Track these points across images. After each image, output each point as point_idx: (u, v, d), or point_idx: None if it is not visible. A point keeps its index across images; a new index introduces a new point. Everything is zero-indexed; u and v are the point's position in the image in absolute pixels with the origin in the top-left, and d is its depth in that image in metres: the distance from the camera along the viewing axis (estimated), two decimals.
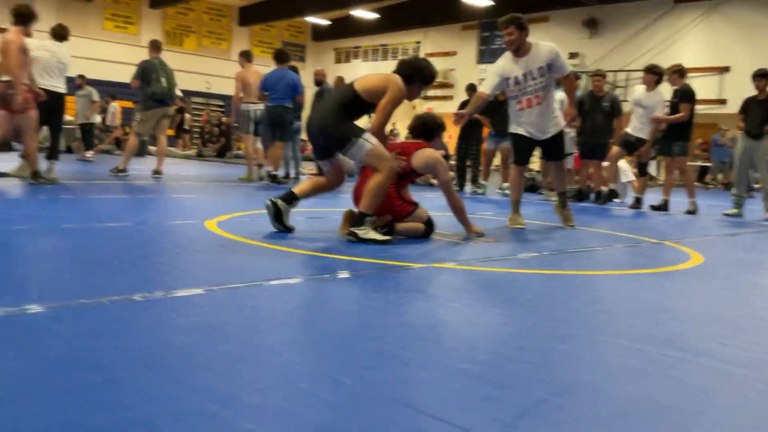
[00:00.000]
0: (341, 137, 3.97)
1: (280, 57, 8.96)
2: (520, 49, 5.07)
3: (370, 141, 3.96)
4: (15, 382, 1.51)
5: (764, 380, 1.86)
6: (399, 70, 4.21)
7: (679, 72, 7.85)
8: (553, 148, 5.47)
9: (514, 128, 5.39)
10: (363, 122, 4.51)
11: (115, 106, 16.18)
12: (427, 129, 4.47)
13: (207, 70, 23.53)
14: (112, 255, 3.20)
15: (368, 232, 3.86)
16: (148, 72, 8.35)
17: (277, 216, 4.11)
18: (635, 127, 8.04)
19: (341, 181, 4.37)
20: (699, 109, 18.42)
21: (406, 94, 4.12)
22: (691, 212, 7.75)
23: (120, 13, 22.48)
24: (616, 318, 2.55)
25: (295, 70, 9.77)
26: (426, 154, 4.34)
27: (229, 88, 10.27)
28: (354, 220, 3.94)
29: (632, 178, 9.33)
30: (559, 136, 5.40)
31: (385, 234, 3.99)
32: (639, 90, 8.17)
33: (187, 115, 19.46)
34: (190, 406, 1.44)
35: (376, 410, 1.48)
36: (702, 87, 18.36)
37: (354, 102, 4.05)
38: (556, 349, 2.06)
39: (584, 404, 1.59)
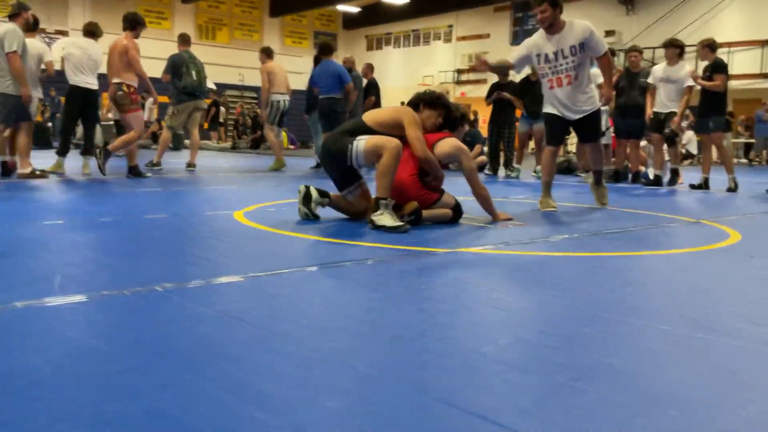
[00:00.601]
0: (340, 151, 4.01)
1: (324, 50, 9.14)
2: (553, 26, 4.96)
3: (362, 139, 3.96)
4: (30, 373, 1.53)
5: None
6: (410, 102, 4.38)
7: (710, 46, 7.62)
8: (586, 128, 5.33)
9: (546, 107, 5.31)
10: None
11: (151, 101, 16.42)
12: (449, 120, 4.42)
13: (240, 63, 23.71)
14: (140, 247, 3.23)
15: (381, 218, 3.78)
16: (178, 66, 8.43)
17: (306, 199, 4.12)
18: (663, 103, 7.82)
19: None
20: (741, 84, 18.00)
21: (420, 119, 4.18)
22: (731, 189, 7.53)
23: (152, 8, 22.76)
24: (646, 300, 2.48)
25: (330, 45, 9.72)
26: (449, 144, 4.31)
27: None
28: (373, 206, 3.91)
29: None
30: (594, 116, 5.24)
31: (412, 222, 3.95)
32: (660, 67, 7.93)
33: (222, 108, 19.66)
34: (203, 395, 1.43)
35: (391, 397, 1.46)
36: (743, 61, 17.83)
37: (363, 131, 4.06)
38: (581, 332, 2.00)
39: (605, 389, 1.55)
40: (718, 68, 7.56)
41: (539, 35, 5.09)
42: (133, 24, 7.12)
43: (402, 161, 3.99)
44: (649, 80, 7.96)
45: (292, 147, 19.37)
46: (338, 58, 9.43)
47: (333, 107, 8.82)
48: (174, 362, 1.63)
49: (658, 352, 1.83)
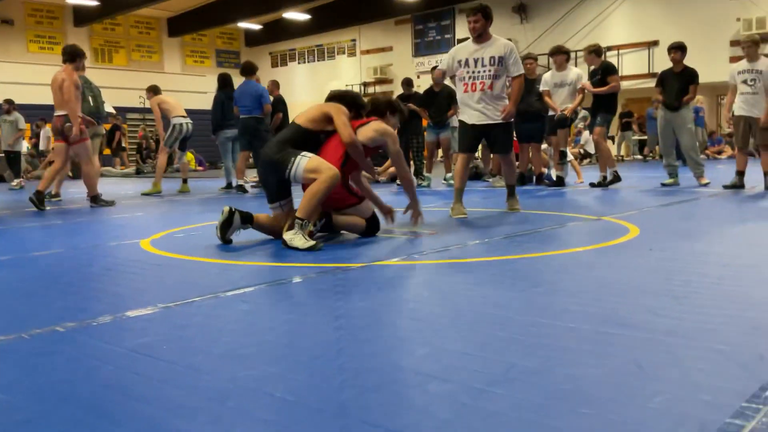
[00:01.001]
0: (282, 162, 3.95)
1: (245, 70, 9.15)
2: (481, 36, 5.33)
3: (306, 156, 3.92)
4: None
5: (693, 346, 1.88)
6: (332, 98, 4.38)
7: (596, 51, 8.07)
8: (497, 140, 5.53)
9: (461, 116, 5.56)
10: None
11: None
12: (375, 107, 4.39)
13: (140, 85, 22.88)
14: (38, 285, 3.06)
15: (294, 239, 3.72)
16: None
17: (225, 225, 3.98)
18: (561, 104, 8.15)
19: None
20: (632, 84, 18.91)
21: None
22: (599, 184, 7.92)
23: (43, 34, 21.81)
24: (554, 299, 2.55)
25: (228, 77, 9.67)
26: (372, 127, 4.20)
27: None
28: (289, 225, 3.85)
29: (571, 157, 9.47)
30: (504, 128, 5.43)
31: (323, 228, 3.95)
32: (549, 73, 8.28)
33: (125, 132, 18.98)
34: None
35: (310, 423, 1.43)
36: (632, 62, 18.80)
37: (301, 135, 4.08)
38: (495, 336, 2.04)
39: (521, 392, 1.57)
40: (610, 71, 7.97)
41: (465, 43, 5.45)
42: (72, 56, 7.12)
43: (328, 153, 4.02)
44: (541, 87, 8.30)
45: (200, 168, 18.95)
46: (241, 77, 9.32)
47: (257, 126, 8.91)
48: (78, 407, 1.54)
49: (568, 351, 1.88)
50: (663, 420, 1.40)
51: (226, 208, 4.00)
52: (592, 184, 8.15)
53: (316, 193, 3.81)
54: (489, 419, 1.42)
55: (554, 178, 8.62)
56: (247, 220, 4.06)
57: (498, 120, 5.34)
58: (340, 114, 4.12)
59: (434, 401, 1.53)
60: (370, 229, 4.22)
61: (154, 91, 9.36)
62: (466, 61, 5.31)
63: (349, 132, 4.06)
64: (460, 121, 5.55)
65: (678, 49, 7.84)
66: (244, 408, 1.52)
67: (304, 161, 3.90)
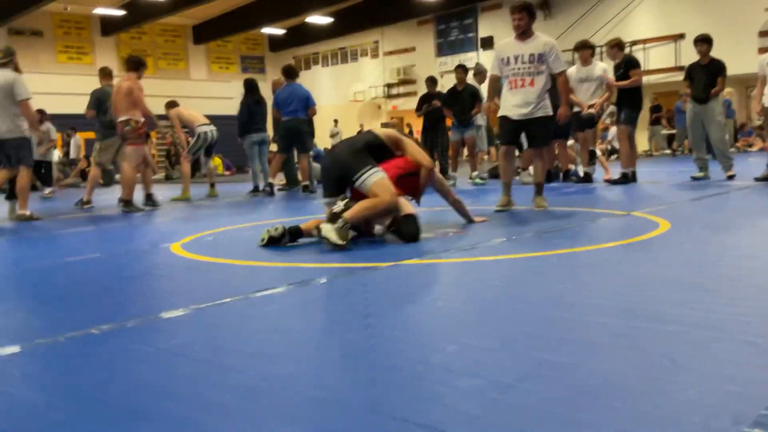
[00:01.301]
0: (355, 166, 4.05)
1: (289, 73, 9.31)
2: (524, 34, 5.42)
3: (380, 172, 4.04)
4: None
5: (725, 339, 1.85)
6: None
7: (618, 45, 7.97)
8: (536, 134, 5.63)
9: (501, 111, 5.65)
10: None
11: (78, 139, 15.98)
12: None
13: (167, 92, 23.26)
14: (72, 289, 3.13)
15: (330, 232, 3.71)
16: (102, 100, 8.23)
17: (272, 241, 4.00)
18: (584, 100, 8.06)
19: None
20: (659, 78, 18.67)
21: None
22: (618, 181, 7.82)
23: (72, 44, 22.23)
24: (583, 295, 2.54)
25: (254, 82, 9.75)
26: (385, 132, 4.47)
27: (192, 107, 10.28)
28: (331, 218, 3.84)
29: (599, 154, 9.38)
30: (543, 122, 5.51)
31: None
32: (574, 68, 8.18)
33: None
34: None
35: (341, 419, 1.45)
36: (659, 56, 18.57)
37: (376, 146, 4.26)
38: (523, 332, 2.04)
39: (550, 386, 1.57)
40: (631, 64, 7.88)
41: (508, 41, 5.57)
42: (137, 66, 7.62)
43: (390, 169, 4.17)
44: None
45: (227, 173, 19.14)
46: (268, 81, 9.45)
47: (300, 128, 9.09)
48: (114, 407, 1.58)
49: (598, 345, 1.88)
50: (696, 412, 1.39)
51: (280, 228, 4.03)
52: (607, 181, 8.08)
53: (372, 209, 3.91)
54: (518, 414, 1.42)
55: (581, 175, 8.54)
56: (296, 235, 4.09)
57: (539, 115, 5.43)
58: (410, 144, 4.39)
59: (463, 397, 1.54)
60: (409, 230, 4.04)
61: (171, 105, 9.58)
62: (508, 59, 5.44)
63: (428, 159, 4.39)
64: (501, 117, 5.63)
65: (704, 42, 7.73)
66: (276, 405, 1.54)
67: (377, 176, 4.00)
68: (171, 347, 2.04)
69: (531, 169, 9.30)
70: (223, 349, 2.01)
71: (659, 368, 1.66)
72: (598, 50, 18.24)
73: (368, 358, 1.85)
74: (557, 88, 8.07)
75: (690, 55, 17.23)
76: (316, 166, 11.68)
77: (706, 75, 7.69)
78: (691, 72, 7.88)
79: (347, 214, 3.80)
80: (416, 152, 4.34)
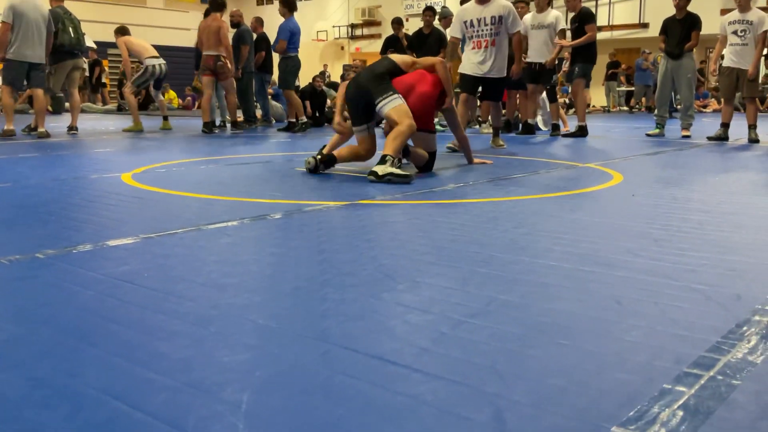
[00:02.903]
0: (378, 91, 4.35)
1: (293, 6, 9.21)
2: None
3: (400, 99, 4.33)
4: None
5: (672, 285, 1.90)
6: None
7: None
8: (492, 90, 6.40)
9: (461, 68, 6.33)
10: None
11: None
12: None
13: (120, 19, 22.36)
14: (18, 214, 3.02)
15: (388, 169, 4.00)
16: (53, 22, 7.85)
17: (311, 171, 4.43)
18: (535, 52, 8.01)
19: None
20: (621, 34, 18.77)
21: None
22: (576, 134, 7.92)
23: None
24: (537, 239, 2.57)
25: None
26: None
27: (146, 37, 9.92)
28: (380, 161, 4.07)
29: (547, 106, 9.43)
30: (499, 82, 6.30)
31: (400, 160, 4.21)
32: (529, 15, 8.12)
33: (105, 68, 18.55)
34: (91, 359, 1.36)
35: (291, 348, 1.44)
36: (623, 12, 18.57)
37: (394, 71, 4.54)
38: (477, 272, 2.05)
39: (500, 323, 1.59)
40: (588, 17, 7.83)
41: (468, 5, 6.16)
42: (221, 7, 8.64)
43: (427, 84, 4.57)
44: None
45: (182, 105, 18.62)
46: (226, 13, 9.11)
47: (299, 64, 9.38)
48: (58, 329, 1.54)
49: (549, 287, 1.90)
50: (639, 352, 1.42)
51: (311, 159, 4.43)
52: (556, 134, 8.16)
53: (400, 135, 4.19)
54: (468, 348, 1.44)
55: (542, 127, 8.63)
56: (331, 162, 4.49)
57: (495, 77, 6.17)
58: (423, 59, 4.81)
59: (414, 330, 1.55)
60: (429, 164, 4.61)
61: (122, 32, 9.24)
62: (471, 22, 6.06)
63: (438, 59, 4.77)
64: (461, 74, 6.30)
65: None
66: (226, 333, 1.52)
67: (397, 102, 4.30)
68: (119, 274, 1.99)
69: (489, 119, 9.36)
70: (172, 279, 1.98)
71: (607, 310, 1.70)
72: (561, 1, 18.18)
73: (321, 291, 1.84)
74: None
75: (653, 13, 17.26)
76: (275, 104, 11.49)
77: (681, 29, 7.70)
78: (667, 26, 7.89)
79: (388, 150, 4.10)
80: (427, 60, 4.73)
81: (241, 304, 1.73)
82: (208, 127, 8.74)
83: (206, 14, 8.80)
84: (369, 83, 4.40)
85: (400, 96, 4.34)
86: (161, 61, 9.07)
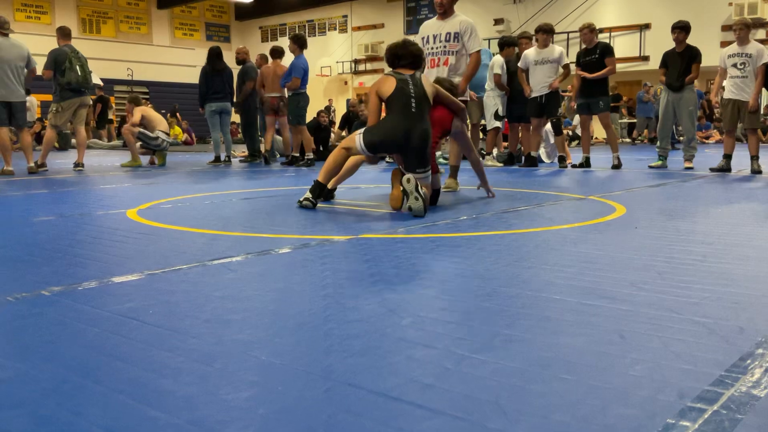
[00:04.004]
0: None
1: (304, 43, 9.26)
2: (445, 13, 5.52)
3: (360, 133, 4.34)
4: None
5: (675, 319, 1.90)
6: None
7: (594, 30, 8.01)
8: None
9: None
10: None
11: (32, 100, 15.48)
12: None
13: (128, 57, 22.75)
14: (24, 251, 3.05)
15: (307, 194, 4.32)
16: (60, 61, 8.00)
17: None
18: (539, 85, 8.10)
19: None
20: (622, 66, 18.92)
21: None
22: (616, 167, 7.95)
23: (30, 2, 21.47)
24: (539, 272, 2.57)
25: (217, 49, 9.58)
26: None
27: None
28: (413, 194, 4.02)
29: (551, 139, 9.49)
30: None
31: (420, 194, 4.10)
32: (532, 51, 8.22)
33: (113, 105, 18.75)
34: (95, 397, 1.37)
35: (295, 384, 1.45)
36: (624, 45, 18.78)
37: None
38: (480, 307, 2.06)
39: (503, 358, 1.59)
40: (608, 51, 7.94)
41: (431, 20, 5.68)
42: (281, 54, 9.62)
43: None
44: (520, 65, 8.27)
45: (187, 141, 18.79)
46: (231, 50, 9.28)
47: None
48: (63, 366, 1.55)
49: (552, 321, 1.91)
50: (643, 386, 1.42)
51: (309, 202, 4.38)
52: (573, 165, 8.19)
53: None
54: (471, 383, 1.44)
55: (544, 160, 8.67)
56: (329, 196, 4.60)
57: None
58: (444, 92, 4.70)
59: (417, 366, 1.55)
60: (433, 200, 4.61)
61: (136, 101, 9.47)
62: (428, 38, 5.57)
63: (460, 103, 4.83)
64: None
65: (681, 29, 7.82)
66: (230, 369, 1.53)
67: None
68: (124, 311, 2.00)
69: (494, 152, 9.41)
70: (177, 315, 1.99)
71: (610, 344, 1.70)
72: (564, 36, 18.36)
73: (324, 327, 1.85)
74: (518, 79, 8.19)
75: (654, 46, 17.41)
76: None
77: (681, 62, 7.79)
78: (667, 60, 7.98)
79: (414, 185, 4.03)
80: (450, 99, 4.71)
81: (245, 340, 1.74)
82: (268, 157, 9.70)
83: (263, 57, 9.98)
84: (429, 138, 4.37)
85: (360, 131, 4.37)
86: (169, 139, 9.49)
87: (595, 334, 1.78)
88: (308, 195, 4.38)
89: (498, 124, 9.08)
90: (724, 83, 7.60)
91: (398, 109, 4.24)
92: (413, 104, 4.24)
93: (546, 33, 8.10)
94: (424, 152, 4.29)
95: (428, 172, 4.35)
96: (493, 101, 8.96)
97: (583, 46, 8.14)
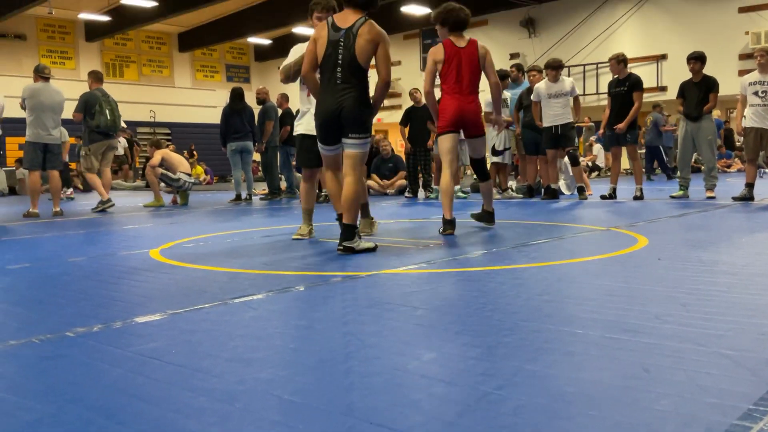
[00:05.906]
0: (364, 125, 4.31)
1: None
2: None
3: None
4: None
5: (700, 351, 1.87)
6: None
7: (623, 61, 8.01)
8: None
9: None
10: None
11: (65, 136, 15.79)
12: None
13: (151, 99, 23.20)
14: (49, 293, 3.09)
15: (360, 243, 4.02)
16: (91, 104, 8.19)
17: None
18: (553, 118, 8.11)
19: (340, 168, 4.38)
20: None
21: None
22: (638, 198, 7.90)
23: (55, 48, 22.06)
24: (561, 306, 2.55)
25: (239, 90, 9.76)
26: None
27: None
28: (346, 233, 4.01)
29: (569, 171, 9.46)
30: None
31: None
32: (543, 84, 8.26)
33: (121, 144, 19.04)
34: None
35: (317, 423, 1.44)
36: (641, 76, 18.77)
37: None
38: (502, 342, 2.04)
39: (526, 394, 1.58)
40: (637, 85, 7.94)
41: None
42: None
43: None
44: (533, 98, 8.32)
45: (206, 179, 19.02)
46: (252, 90, 9.45)
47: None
48: (87, 408, 1.56)
49: (575, 355, 1.89)
50: (670, 421, 1.40)
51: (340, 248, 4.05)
52: (602, 197, 8.15)
53: (357, 198, 4.20)
54: (493, 420, 1.43)
55: (564, 192, 8.65)
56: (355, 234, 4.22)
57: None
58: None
59: (439, 403, 1.54)
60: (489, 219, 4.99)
61: (158, 145, 9.53)
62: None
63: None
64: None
65: (697, 60, 7.83)
66: (252, 409, 1.53)
67: (365, 151, 4.33)
68: (146, 351, 2.02)
69: (513, 184, 9.40)
70: (199, 354, 2.00)
71: (634, 378, 1.67)
72: (580, 68, 18.41)
73: (346, 364, 1.84)
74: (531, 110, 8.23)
75: (671, 76, 17.39)
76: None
77: (699, 92, 7.78)
78: (684, 90, 7.97)
79: (346, 219, 4.06)
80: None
81: (266, 378, 1.74)
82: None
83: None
84: (354, 108, 4.48)
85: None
86: (191, 180, 9.43)
87: (620, 368, 1.76)
88: (350, 244, 4.01)
89: (497, 159, 9.07)
90: (745, 112, 7.55)
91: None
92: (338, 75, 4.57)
93: (555, 69, 8.16)
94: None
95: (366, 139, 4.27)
96: (489, 135, 8.96)
97: (615, 76, 8.14)
